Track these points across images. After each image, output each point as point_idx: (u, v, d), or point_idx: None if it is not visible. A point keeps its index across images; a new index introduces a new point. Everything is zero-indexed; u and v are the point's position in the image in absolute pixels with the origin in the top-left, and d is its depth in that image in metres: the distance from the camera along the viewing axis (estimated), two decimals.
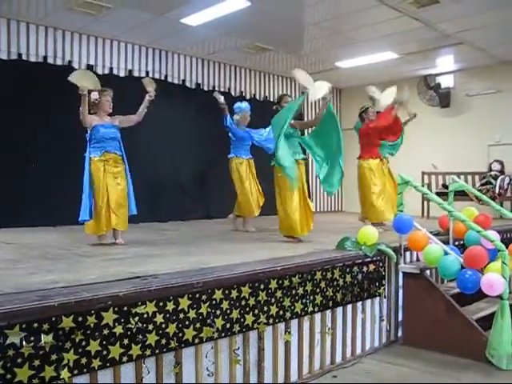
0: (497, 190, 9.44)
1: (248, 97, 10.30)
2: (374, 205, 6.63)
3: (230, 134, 7.15)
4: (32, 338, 2.53)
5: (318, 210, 11.48)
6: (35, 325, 2.54)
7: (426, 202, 9.76)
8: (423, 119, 10.94)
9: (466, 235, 5.15)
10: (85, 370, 2.72)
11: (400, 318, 4.96)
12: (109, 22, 7.43)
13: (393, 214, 6.16)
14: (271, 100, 10.66)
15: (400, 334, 4.96)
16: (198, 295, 3.20)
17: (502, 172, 9.73)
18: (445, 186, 9.92)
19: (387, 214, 6.53)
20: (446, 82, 10.68)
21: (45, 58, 7.49)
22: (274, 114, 5.47)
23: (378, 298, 4.72)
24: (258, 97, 10.50)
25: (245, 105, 7.11)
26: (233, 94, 10.05)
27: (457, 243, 5.35)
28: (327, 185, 5.43)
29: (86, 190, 5.20)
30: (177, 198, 8.95)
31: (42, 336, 2.57)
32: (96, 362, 2.76)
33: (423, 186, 10.14)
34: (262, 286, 3.58)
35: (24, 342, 2.51)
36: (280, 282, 3.72)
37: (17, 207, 7.01)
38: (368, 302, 4.63)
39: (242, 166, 7.03)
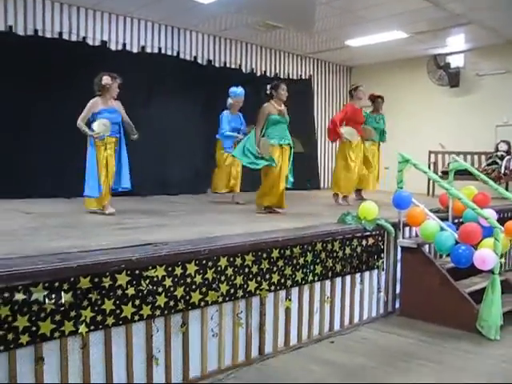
0: (502, 171, 9.54)
1: (258, 73, 10.43)
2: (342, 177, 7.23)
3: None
4: (53, 296, 2.81)
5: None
6: (56, 284, 2.82)
7: (431, 181, 9.89)
8: (432, 99, 11.09)
9: (464, 213, 5.34)
10: (100, 327, 3.01)
11: (398, 290, 5.19)
12: None
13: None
14: (281, 77, 10.80)
15: (398, 305, 5.20)
16: (204, 261, 3.45)
17: (508, 153, 9.81)
18: None
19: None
20: (455, 61, 10.70)
21: (60, 33, 7.67)
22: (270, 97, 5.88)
23: (376, 271, 4.96)
24: (268, 73, 10.61)
25: (239, 90, 7.28)
26: (244, 70, 10.18)
27: (456, 220, 5.55)
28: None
29: (93, 169, 5.62)
30: (186, 172, 9.17)
31: (63, 294, 2.84)
32: (110, 320, 3.04)
33: (429, 164, 10.33)
34: (264, 255, 3.83)
35: (46, 299, 2.78)
36: (282, 251, 3.96)
37: (34, 179, 7.26)
38: (366, 273, 4.87)
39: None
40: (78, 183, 5.89)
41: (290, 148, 6.02)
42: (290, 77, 11.09)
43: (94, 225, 4.74)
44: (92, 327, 2.97)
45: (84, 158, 5.74)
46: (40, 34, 7.48)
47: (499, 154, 9.80)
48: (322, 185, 11.64)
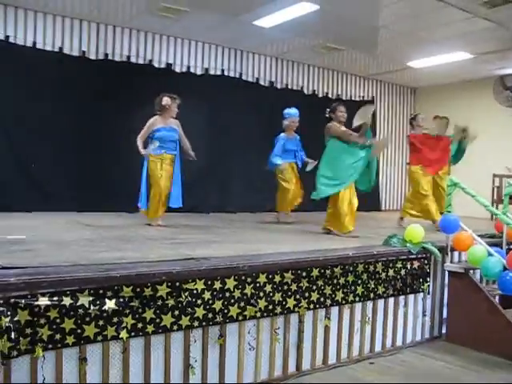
0: None
1: (320, 95, 10.57)
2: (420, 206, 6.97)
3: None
4: (98, 302, 3.05)
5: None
6: (101, 291, 3.06)
7: (495, 205, 9.60)
8: (499, 121, 10.78)
9: None
10: (140, 334, 3.22)
11: (444, 315, 5.12)
12: (186, 24, 7.97)
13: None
14: (343, 98, 10.88)
15: (444, 330, 5.12)
16: (243, 277, 3.61)
17: None
18: None
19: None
20: None
21: (128, 57, 8.17)
22: (329, 120, 5.82)
23: (421, 294, 4.92)
24: (330, 95, 10.72)
25: (294, 111, 7.39)
26: (305, 92, 10.34)
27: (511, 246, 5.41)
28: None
29: (144, 184, 6.08)
30: (247, 190, 9.40)
31: (106, 301, 3.08)
32: (150, 328, 3.24)
33: (493, 188, 10.03)
34: (304, 274, 3.93)
35: (91, 305, 3.03)
36: (322, 271, 4.05)
37: (101, 194, 7.71)
38: (411, 296, 4.84)
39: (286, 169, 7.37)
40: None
41: None
42: (352, 98, 11.14)
43: (147, 239, 5.00)
44: (133, 333, 3.18)
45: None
46: (110, 57, 8.01)
47: None
48: (382, 207, 11.53)
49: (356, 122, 5.70)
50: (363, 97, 11.33)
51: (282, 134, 7.48)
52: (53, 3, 7.27)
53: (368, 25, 7.98)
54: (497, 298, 5.47)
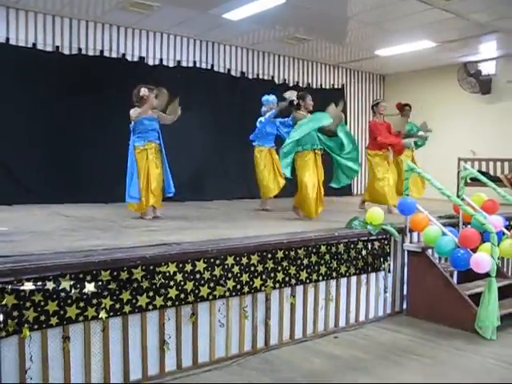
0: None
1: (291, 84, 10.84)
2: (376, 189, 7.29)
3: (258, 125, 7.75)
4: (78, 286, 3.34)
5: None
6: (81, 275, 3.35)
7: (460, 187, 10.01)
8: (464, 106, 11.21)
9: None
10: (118, 313, 3.52)
11: (405, 291, 5.50)
12: (157, 18, 8.18)
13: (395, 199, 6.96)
14: (314, 87, 11.21)
15: (405, 306, 5.51)
16: (212, 260, 3.92)
17: None
18: (481, 173, 10.16)
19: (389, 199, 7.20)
20: (487, 68, 10.81)
21: (101, 51, 8.36)
22: (298, 107, 6.14)
23: (382, 272, 5.29)
24: (301, 84, 11.02)
25: (272, 97, 7.67)
26: (276, 81, 10.62)
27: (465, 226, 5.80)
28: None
29: (132, 175, 6.11)
30: (221, 178, 9.69)
31: (86, 284, 3.37)
32: (127, 308, 3.54)
33: (459, 172, 10.46)
34: (269, 256, 4.26)
35: (72, 288, 3.31)
36: (286, 252, 4.38)
37: (77, 186, 7.93)
38: (373, 275, 5.21)
39: (263, 154, 7.65)
40: (116, 189, 6.51)
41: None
42: (323, 86, 11.48)
43: (125, 227, 5.27)
44: (111, 314, 3.48)
45: (121, 166, 6.30)
46: (83, 52, 8.19)
47: None
48: (354, 191, 11.91)
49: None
50: (333, 85, 11.67)
51: (262, 118, 7.73)
52: (24, 0, 7.41)
53: (334, 16, 8.27)
54: (455, 274, 5.93)
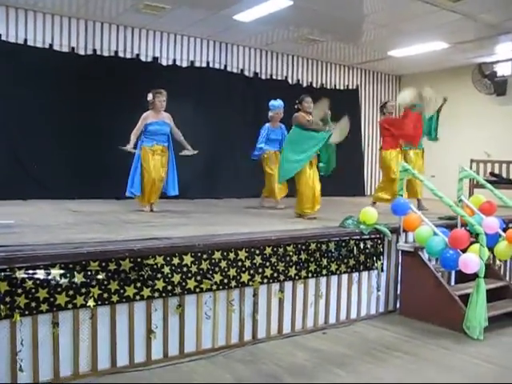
0: None
1: (304, 85, 10.96)
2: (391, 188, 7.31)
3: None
4: (68, 275, 3.55)
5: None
6: (70, 265, 3.55)
7: (472, 189, 9.98)
8: (478, 107, 11.15)
9: None
10: (106, 302, 3.72)
11: (399, 290, 5.58)
12: (170, 19, 8.40)
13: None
14: (328, 87, 11.29)
15: (398, 304, 5.59)
16: (199, 254, 4.09)
17: None
18: (492, 174, 10.13)
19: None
20: (502, 69, 10.74)
21: (116, 52, 8.63)
22: (297, 110, 6.28)
23: (375, 271, 5.38)
24: (314, 85, 11.12)
25: (278, 103, 7.77)
26: (290, 82, 10.75)
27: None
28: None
29: (136, 171, 6.54)
30: (232, 177, 9.86)
31: (75, 274, 3.57)
32: (115, 298, 3.74)
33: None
34: (257, 252, 4.41)
35: (62, 277, 3.52)
36: (275, 249, 4.52)
37: (89, 182, 8.20)
38: (365, 273, 5.31)
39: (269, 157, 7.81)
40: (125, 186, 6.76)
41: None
42: (337, 87, 11.55)
43: (125, 222, 5.49)
44: (99, 302, 3.68)
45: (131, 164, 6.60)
46: (98, 53, 8.47)
47: None
48: (367, 192, 11.96)
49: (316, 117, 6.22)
50: (348, 85, 11.73)
51: (267, 124, 7.89)
52: (42, 2, 7.72)
53: (345, 17, 8.36)
54: (453, 274, 5.99)
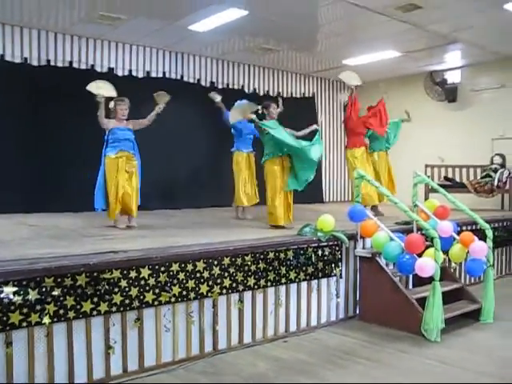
0: (495, 183, 9.82)
1: (261, 93, 11.04)
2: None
3: (232, 130, 7.91)
4: (21, 292, 3.46)
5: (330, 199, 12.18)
6: (24, 282, 3.46)
7: (428, 193, 10.21)
8: (431, 114, 11.47)
9: None
10: (62, 319, 3.64)
11: (358, 296, 5.67)
12: (125, 30, 8.34)
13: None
14: (284, 96, 11.38)
15: (358, 310, 5.67)
16: (157, 267, 4.05)
17: (502, 166, 10.07)
18: (446, 179, 10.42)
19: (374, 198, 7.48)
20: (452, 77, 11.11)
21: (70, 62, 8.49)
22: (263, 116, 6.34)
23: (334, 278, 5.44)
24: (271, 93, 11.21)
25: (243, 101, 7.78)
26: (246, 91, 10.81)
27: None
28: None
29: (101, 183, 6.24)
30: (192, 187, 9.83)
31: (29, 291, 3.49)
32: (71, 314, 3.67)
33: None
34: (215, 262, 4.40)
35: (16, 295, 3.43)
36: (233, 259, 4.52)
37: (45, 195, 8.03)
38: (324, 280, 5.36)
39: (242, 160, 7.78)
40: (85, 198, 6.58)
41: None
42: (293, 95, 11.69)
43: (83, 236, 5.39)
44: (55, 319, 3.60)
45: (92, 176, 6.37)
46: (52, 63, 8.32)
47: (493, 166, 10.06)
48: (325, 199, 12.11)
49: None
50: (304, 93, 11.88)
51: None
52: None
53: (299, 27, 8.49)
54: (410, 278, 6.12)
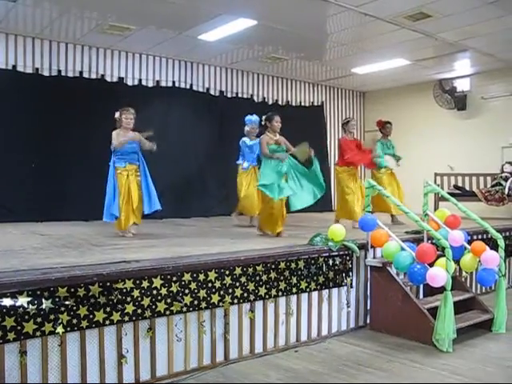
0: (506, 191, 9.77)
1: (270, 102, 11.09)
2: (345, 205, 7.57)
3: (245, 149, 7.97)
4: (36, 302, 3.48)
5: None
6: (38, 292, 3.49)
7: (438, 202, 10.17)
8: (440, 122, 11.47)
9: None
10: (75, 328, 3.65)
11: (369, 306, 5.65)
12: (135, 40, 8.45)
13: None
14: (293, 104, 11.44)
15: (368, 320, 5.65)
16: (169, 276, 4.07)
17: None
18: (456, 187, 10.39)
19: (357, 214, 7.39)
20: (461, 85, 11.11)
21: (81, 72, 8.58)
22: (265, 128, 6.30)
23: (345, 287, 5.43)
24: (280, 102, 11.26)
25: (254, 118, 7.84)
26: (255, 99, 10.87)
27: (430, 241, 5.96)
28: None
29: (111, 194, 6.27)
30: (200, 196, 9.87)
31: (43, 300, 3.51)
32: (84, 323, 3.68)
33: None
34: (227, 272, 4.41)
35: (30, 304, 3.46)
36: (244, 269, 4.53)
37: (58, 204, 8.11)
38: (335, 290, 5.35)
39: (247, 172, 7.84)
40: (97, 207, 6.61)
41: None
42: (302, 104, 11.71)
43: (93, 245, 5.42)
44: (68, 329, 3.61)
45: (102, 185, 6.41)
46: (63, 73, 8.40)
47: (503, 175, 10.02)
48: (335, 207, 12.06)
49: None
50: (313, 102, 11.91)
51: (245, 138, 7.92)
52: (5, 22, 7.63)
53: (308, 36, 8.54)
54: (421, 288, 6.09)
